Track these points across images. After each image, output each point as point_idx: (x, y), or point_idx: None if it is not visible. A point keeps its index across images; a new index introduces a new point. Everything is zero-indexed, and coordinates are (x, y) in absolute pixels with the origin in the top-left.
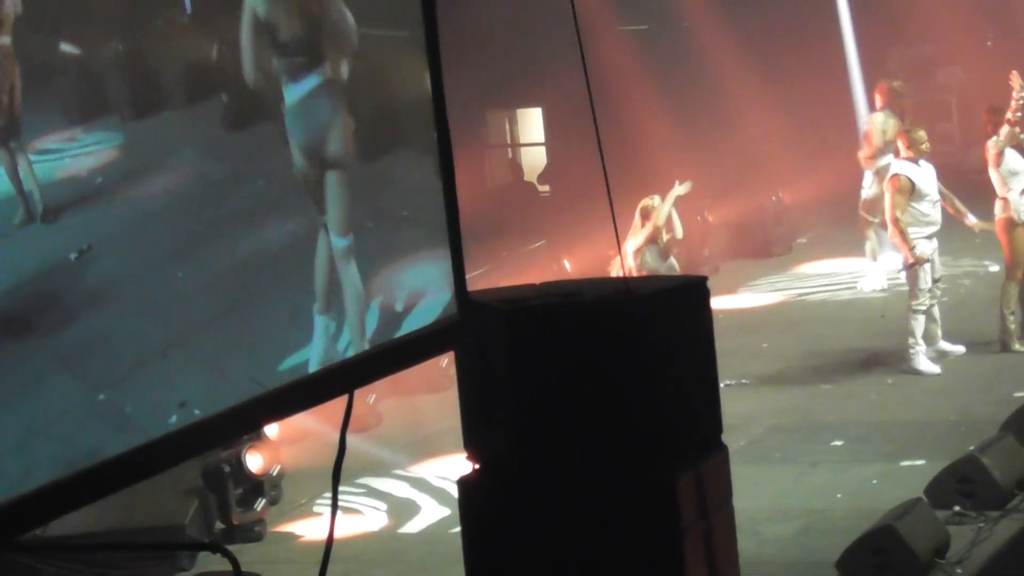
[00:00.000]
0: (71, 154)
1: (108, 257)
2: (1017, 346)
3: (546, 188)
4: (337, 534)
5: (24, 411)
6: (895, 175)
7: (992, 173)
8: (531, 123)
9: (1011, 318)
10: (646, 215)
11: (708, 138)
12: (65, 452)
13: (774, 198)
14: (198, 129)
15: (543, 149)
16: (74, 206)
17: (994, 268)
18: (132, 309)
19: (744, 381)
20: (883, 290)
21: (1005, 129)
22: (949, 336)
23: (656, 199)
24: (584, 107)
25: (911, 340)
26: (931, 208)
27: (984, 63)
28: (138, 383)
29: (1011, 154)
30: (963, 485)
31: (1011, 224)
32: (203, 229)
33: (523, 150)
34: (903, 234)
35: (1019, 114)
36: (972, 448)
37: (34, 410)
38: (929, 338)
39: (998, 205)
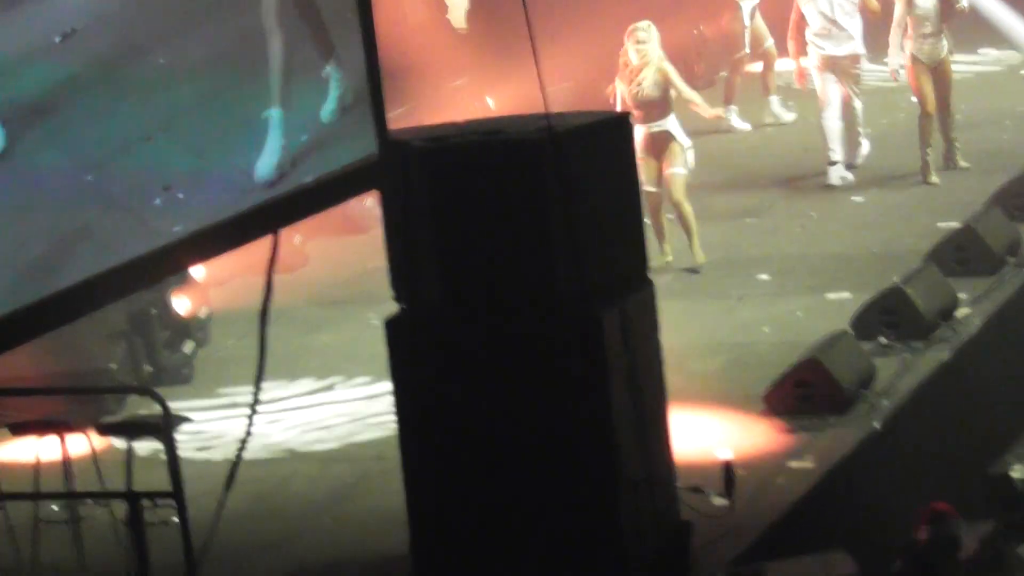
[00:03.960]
0: None
1: (92, 40)
2: (934, 178)
3: (463, 27)
4: (266, 374)
5: (17, 184)
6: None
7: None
8: None
9: (928, 151)
10: None
11: None
12: (57, 226)
13: (695, 32)
14: None
15: None
16: None
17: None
18: (116, 92)
19: (668, 216)
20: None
21: None
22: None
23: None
24: None
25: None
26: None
27: None
28: (124, 164)
29: None
30: (887, 316)
31: (912, 60)
32: (184, 17)
33: None
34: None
35: None
36: (896, 280)
37: (26, 184)
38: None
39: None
